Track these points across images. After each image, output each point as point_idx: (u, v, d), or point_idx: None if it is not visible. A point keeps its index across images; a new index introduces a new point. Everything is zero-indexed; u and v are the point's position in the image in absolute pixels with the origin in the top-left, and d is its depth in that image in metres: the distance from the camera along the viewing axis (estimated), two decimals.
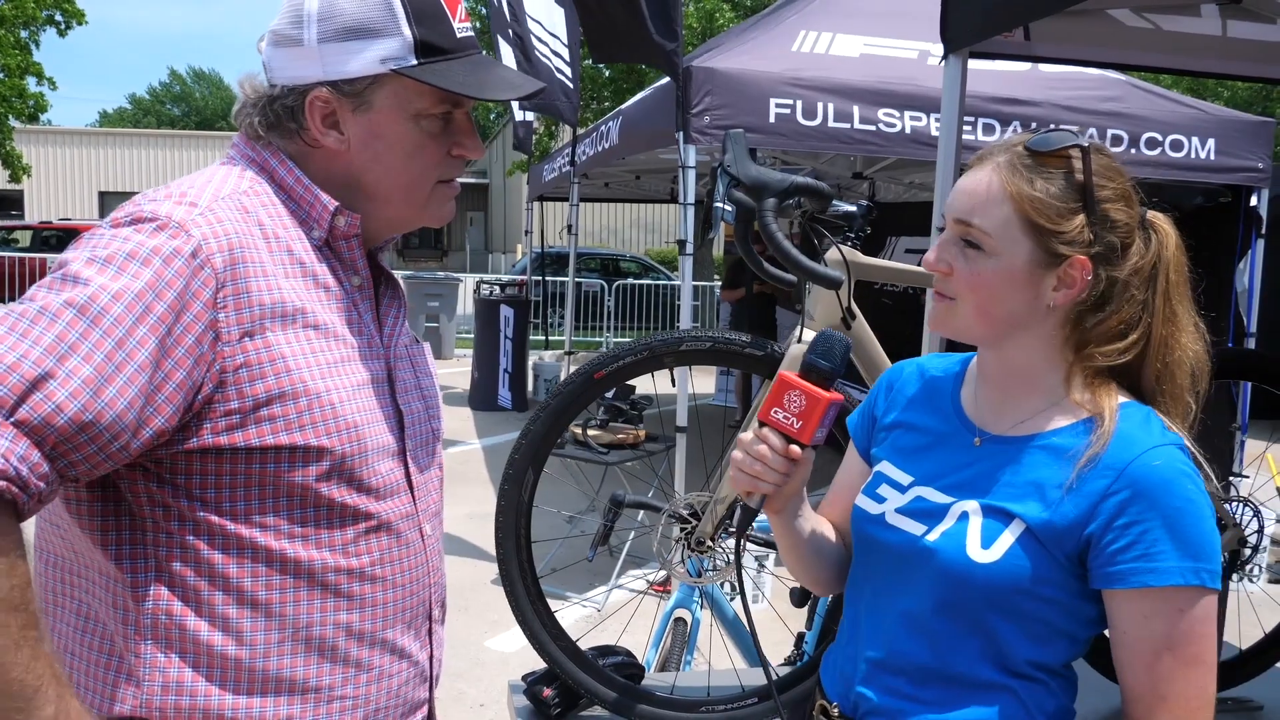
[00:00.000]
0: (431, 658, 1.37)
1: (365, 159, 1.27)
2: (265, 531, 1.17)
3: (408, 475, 1.32)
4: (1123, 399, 1.31)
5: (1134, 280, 1.30)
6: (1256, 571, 5.72)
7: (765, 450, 1.32)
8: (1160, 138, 5.90)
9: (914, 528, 1.34)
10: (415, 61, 1.23)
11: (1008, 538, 1.27)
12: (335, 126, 1.25)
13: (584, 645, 2.27)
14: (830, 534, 1.54)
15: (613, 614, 4.60)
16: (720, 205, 1.92)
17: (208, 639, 1.16)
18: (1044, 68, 5.79)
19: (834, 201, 2.00)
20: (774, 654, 3.31)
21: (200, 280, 1.11)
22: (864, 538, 1.42)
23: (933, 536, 1.31)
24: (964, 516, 1.31)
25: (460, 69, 1.26)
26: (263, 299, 1.17)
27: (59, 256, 1.11)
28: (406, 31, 1.23)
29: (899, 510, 1.37)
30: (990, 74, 5.59)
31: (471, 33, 1.30)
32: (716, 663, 2.84)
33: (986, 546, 1.27)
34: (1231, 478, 4.88)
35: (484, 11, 20.62)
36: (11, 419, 0.99)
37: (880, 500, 1.40)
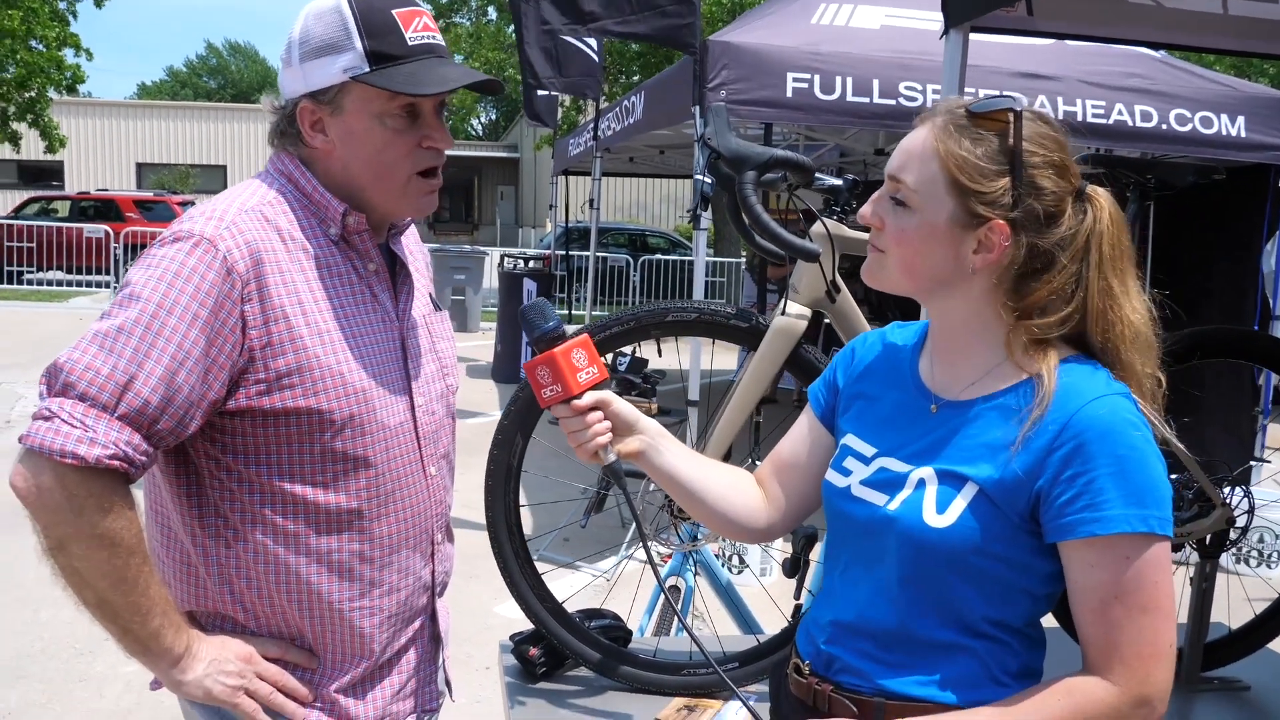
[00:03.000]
0: (434, 572, 1.66)
1: (346, 155, 1.51)
2: (290, 479, 1.47)
3: (415, 426, 1.58)
4: (1068, 354, 1.32)
5: (1063, 251, 1.31)
6: (1276, 558, 5.66)
7: (567, 423, 1.46)
8: (1189, 114, 5.80)
9: (877, 499, 1.37)
10: (368, 69, 1.46)
11: (960, 502, 1.29)
12: (321, 130, 1.51)
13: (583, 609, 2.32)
14: (722, 476, 1.59)
15: (612, 581, 4.65)
16: (700, 178, 1.94)
17: (251, 560, 1.48)
18: (1069, 42, 5.72)
19: (818, 175, 2.01)
20: (777, 627, 3.35)
21: (229, 283, 1.39)
22: (834, 511, 1.45)
23: (893, 506, 1.34)
24: (921, 484, 1.33)
25: (407, 71, 1.47)
26: (280, 291, 1.43)
27: (126, 276, 1.42)
28: (359, 45, 1.46)
29: (863, 482, 1.40)
30: (1014, 48, 5.53)
31: (429, 40, 1.51)
32: (714, 630, 2.89)
33: (941, 511, 1.30)
34: (1253, 462, 4.84)
35: None
36: (115, 414, 1.33)
37: (846, 474, 1.43)
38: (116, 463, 1.32)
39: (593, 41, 8.08)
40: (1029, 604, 1.34)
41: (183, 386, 1.36)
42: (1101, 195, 1.34)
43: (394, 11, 1.49)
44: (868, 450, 1.43)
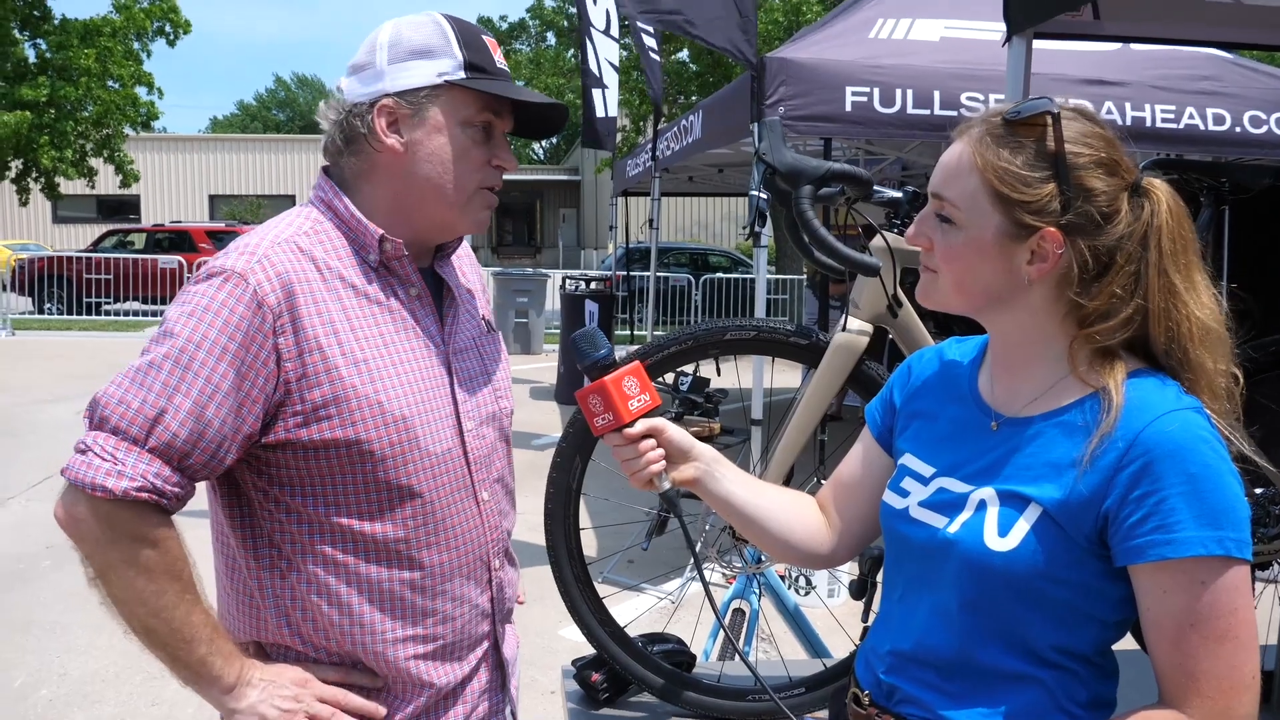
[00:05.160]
0: (493, 599, 1.63)
1: (420, 158, 1.50)
2: (337, 510, 1.46)
3: (465, 452, 1.56)
4: (1136, 368, 1.26)
5: (1123, 251, 1.24)
6: None
7: (619, 451, 1.44)
8: (1264, 115, 5.63)
9: (936, 520, 1.32)
10: (464, 76, 1.49)
11: (1023, 524, 1.23)
12: (397, 131, 1.50)
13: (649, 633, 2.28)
14: (781, 501, 1.55)
15: (677, 605, 4.61)
16: (756, 194, 1.92)
17: (305, 591, 1.47)
18: (1135, 46, 5.59)
19: (877, 188, 1.97)
20: (846, 650, 3.29)
21: (260, 317, 1.39)
22: (891, 533, 1.41)
23: (953, 528, 1.29)
24: (982, 505, 1.27)
25: (499, 85, 1.53)
26: (315, 322, 1.43)
27: (164, 312, 1.44)
28: (458, 53, 1.50)
29: (922, 504, 1.35)
30: (1077, 54, 5.42)
31: (507, 69, 1.56)
32: (779, 654, 2.83)
33: (1003, 534, 1.24)
34: None
35: (571, 10, 20.78)
36: (146, 448, 1.35)
37: (904, 494, 1.38)
38: (145, 495, 1.34)
39: (655, 59, 8.10)
40: (1098, 631, 1.27)
41: (213, 420, 1.37)
42: (1159, 187, 1.27)
43: (483, 36, 1.55)
44: (926, 470, 1.37)
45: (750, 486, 1.53)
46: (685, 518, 1.49)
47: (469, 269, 1.73)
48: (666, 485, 1.45)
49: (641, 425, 1.43)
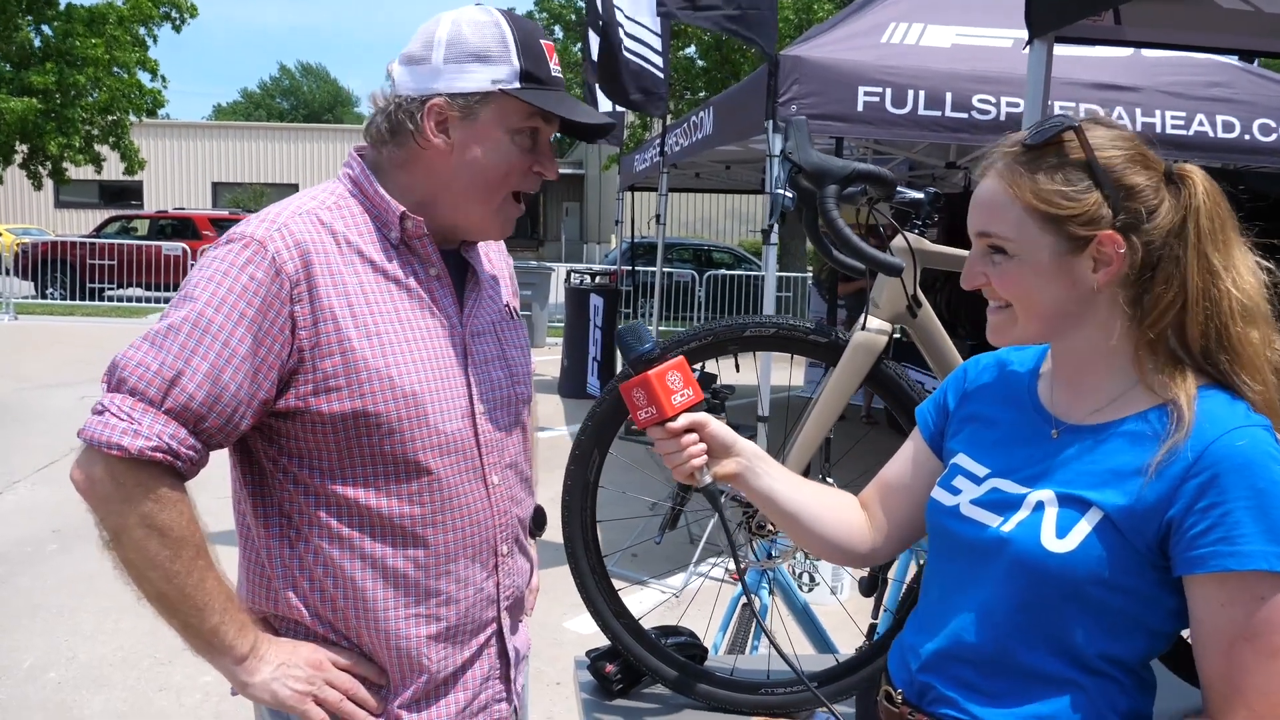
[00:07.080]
0: (499, 585, 1.63)
1: (463, 160, 1.51)
2: (343, 483, 1.47)
3: (475, 434, 1.56)
4: (1204, 382, 1.26)
5: (1169, 238, 1.26)
6: None
7: (662, 445, 1.46)
8: (1274, 124, 5.63)
9: (989, 519, 1.32)
10: (519, 85, 1.50)
11: (1084, 526, 1.24)
12: (444, 131, 1.51)
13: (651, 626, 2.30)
14: (822, 498, 1.56)
15: (685, 599, 4.63)
16: (781, 192, 1.93)
17: (312, 563, 1.49)
18: (1147, 52, 5.60)
19: (899, 189, 1.98)
20: (849, 647, 3.30)
21: (278, 284, 1.41)
22: (938, 529, 1.41)
23: (1007, 527, 1.29)
24: (1039, 506, 1.28)
25: (554, 97, 1.53)
26: (330, 293, 1.44)
27: (185, 278, 1.46)
28: (515, 61, 1.50)
29: (974, 502, 1.35)
30: (1090, 60, 5.43)
31: (560, 75, 1.57)
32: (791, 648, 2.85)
33: (1062, 536, 1.24)
34: None
35: (580, 4, 20.77)
36: (163, 409, 1.36)
37: (955, 492, 1.38)
38: (160, 455, 1.35)
39: (658, 59, 8.10)
40: (1147, 641, 1.27)
41: (229, 384, 1.38)
42: (1193, 171, 1.29)
43: (541, 41, 1.54)
44: (980, 470, 1.38)
45: (791, 483, 1.53)
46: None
47: (495, 255, 1.74)
48: (708, 480, 1.46)
49: (684, 420, 1.44)
